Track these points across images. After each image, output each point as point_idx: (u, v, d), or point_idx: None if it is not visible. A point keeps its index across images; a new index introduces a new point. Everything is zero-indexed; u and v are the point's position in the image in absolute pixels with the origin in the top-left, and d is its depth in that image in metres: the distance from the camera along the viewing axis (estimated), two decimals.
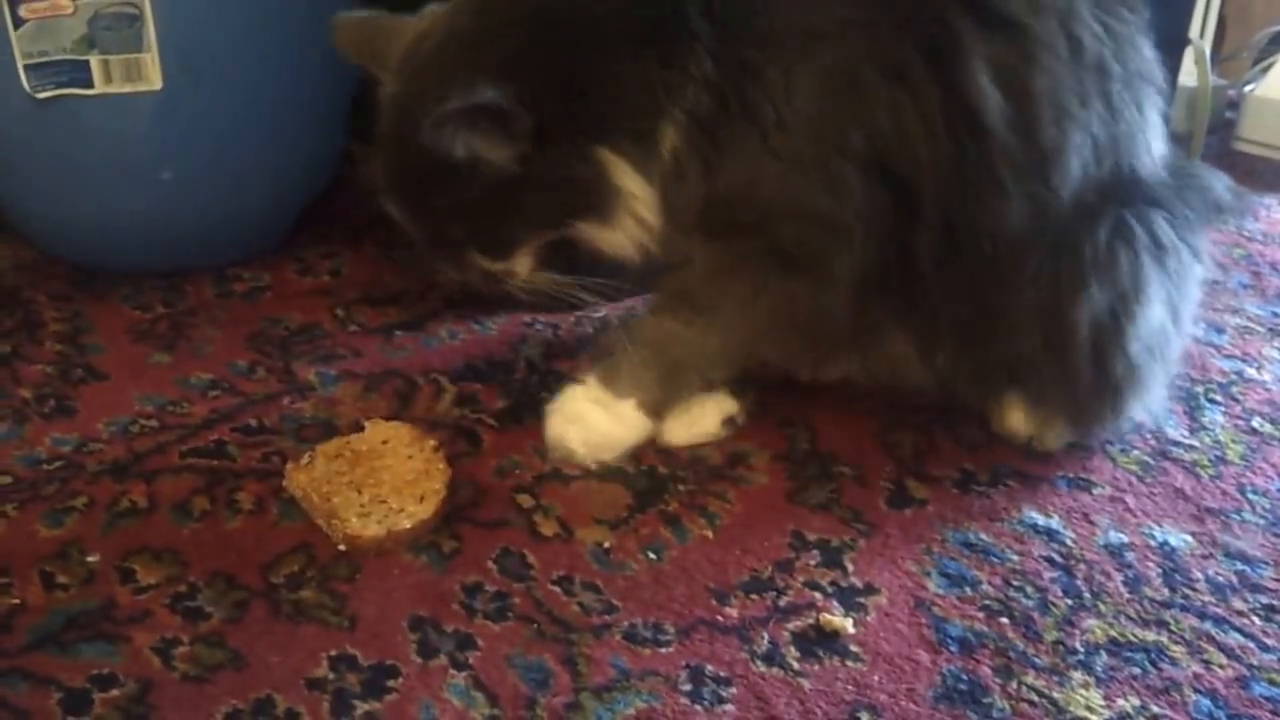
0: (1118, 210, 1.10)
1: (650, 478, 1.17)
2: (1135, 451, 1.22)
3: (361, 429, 1.18)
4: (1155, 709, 0.95)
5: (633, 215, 1.11)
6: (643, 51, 1.06)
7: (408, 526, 1.07)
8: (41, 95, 1.33)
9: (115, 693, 0.93)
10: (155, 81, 1.34)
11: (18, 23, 1.30)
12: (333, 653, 0.97)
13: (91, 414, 1.23)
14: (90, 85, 1.33)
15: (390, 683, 0.95)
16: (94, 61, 1.33)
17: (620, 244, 1.14)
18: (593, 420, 1.17)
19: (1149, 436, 1.24)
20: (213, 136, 1.39)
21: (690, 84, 1.06)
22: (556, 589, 1.04)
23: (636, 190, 1.10)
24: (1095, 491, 1.17)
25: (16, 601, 1.01)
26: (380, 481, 1.11)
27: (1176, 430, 1.26)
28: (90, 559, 1.06)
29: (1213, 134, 1.96)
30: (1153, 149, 1.14)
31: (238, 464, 1.17)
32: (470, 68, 1.05)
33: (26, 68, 1.32)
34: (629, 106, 1.07)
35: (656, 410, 1.19)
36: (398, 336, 1.38)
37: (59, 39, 1.31)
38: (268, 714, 0.92)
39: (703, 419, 1.22)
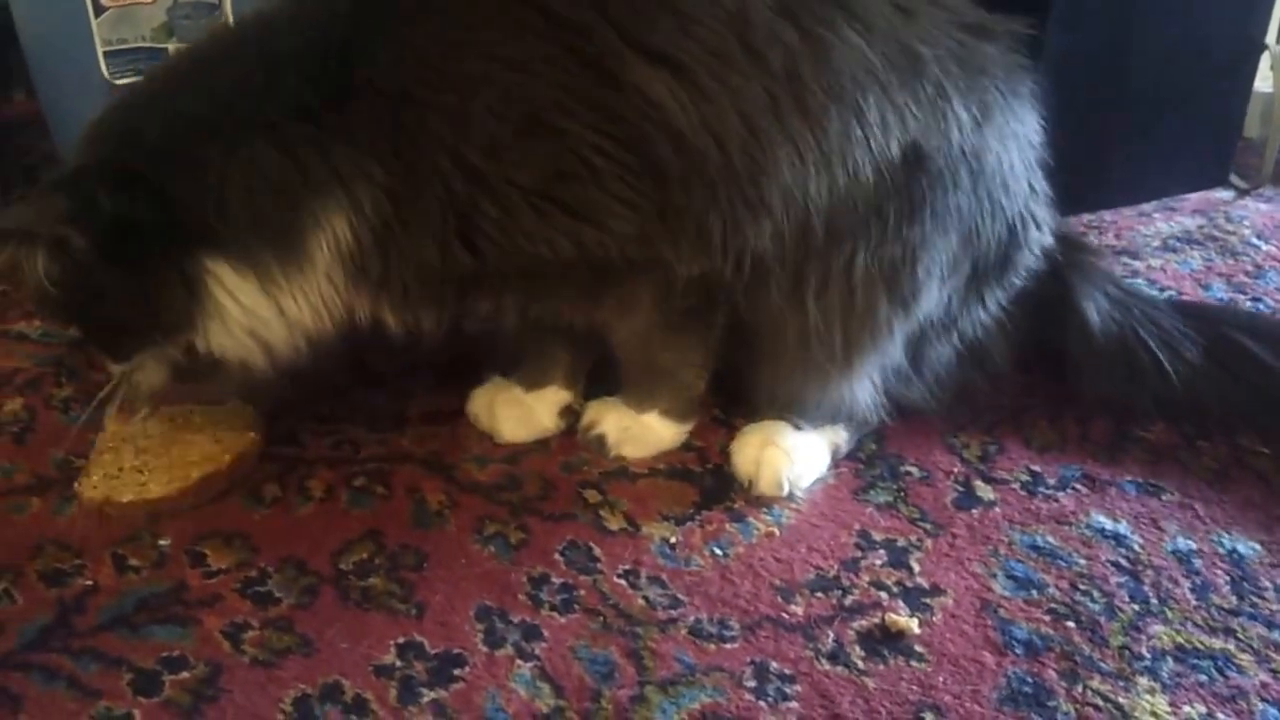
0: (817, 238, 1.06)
1: (716, 476, 1.17)
2: (1205, 459, 1.21)
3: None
4: (1221, 717, 0.94)
5: (259, 313, 1.04)
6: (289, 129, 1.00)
7: (126, 500, 1.09)
8: (120, 81, 1.35)
9: (185, 675, 0.95)
10: None
11: (99, 10, 1.33)
12: (400, 640, 0.98)
13: (165, 399, 1.24)
14: None
15: (457, 671, 0.95)
16: (172, 49, 1.35)
17: (256, 346, 1.07)
18: (635, 432, 1.20)
19: (1220, 444, 1.22)
20: None
21: (350, 166, 1.00)
22: (622, 582, 1.04)
23: (249, 297, 1.03)
24: (1164, 497, 1.16)
25: (89, 583, 1.03)
26: (165, 453, 1.14)
27: (1246, 439, 1.24)
28: (162, 542, 1.07)
29: None
30: (875, 152, 1.05)
31: (309, 451, 1.19)
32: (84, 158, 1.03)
33: (106, 54, 1.34)
34: (249, 213, 1.00)
35: (680, 414, 1.20)
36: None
37: (138, 27, 1.34)
38: (336, 699, 0.93)
39: (538, 415, 1.22)
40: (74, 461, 1.16)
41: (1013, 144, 1.14)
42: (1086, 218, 1.67)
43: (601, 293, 1.09)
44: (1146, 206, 1.72)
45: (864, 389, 1.14)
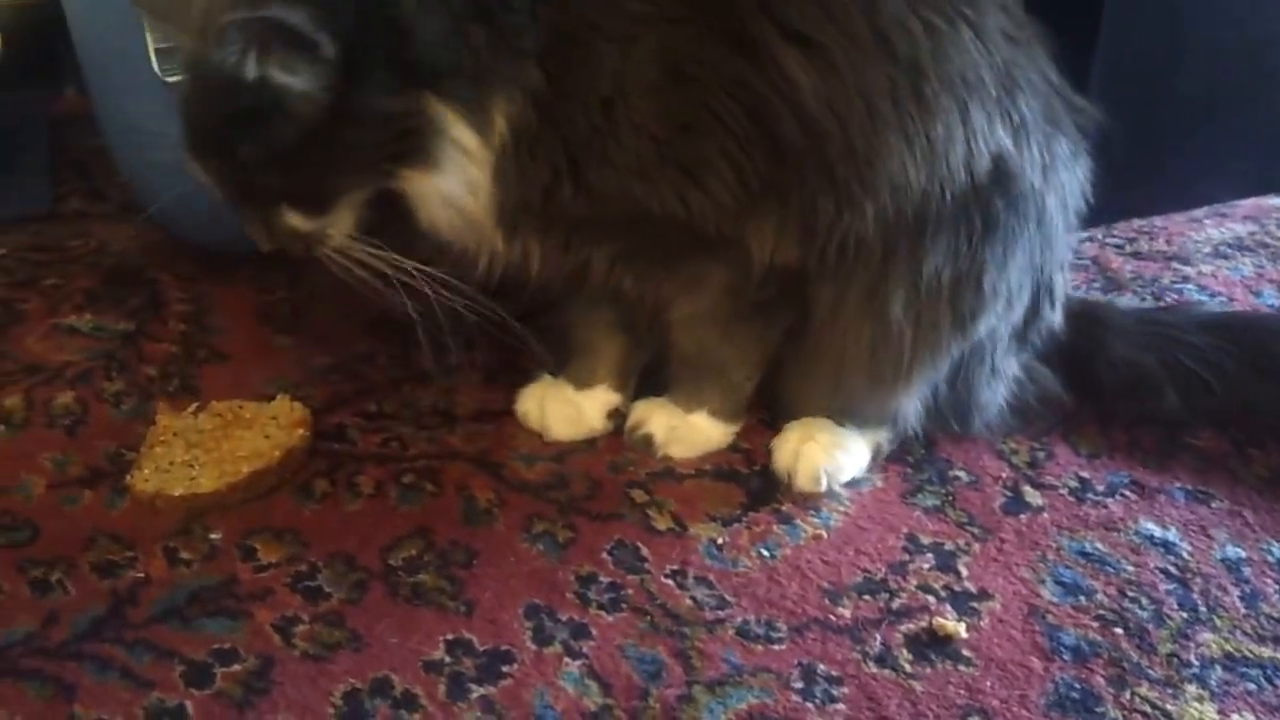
0: (906, 227, 1.06)
1: (763, 477, 1.17)
2: (1256, 466, 1.20)
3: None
4: None
5: (464, 173, 1.02)
6: (469, 12, 0.99)
7: (177, 494, 1.10)
8: (172, 79, 1.36)
9: (236, 667, 0.96)
10: None
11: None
12: (449, 636, 0.99)
13: (215, 394, 1.26)
14: None
15: (505, 668, 0.96)
16: None
17: (445, 211, 1.05)
18: (683, 432, 1.20)
19: (1271, 452, 1.22)
20: None
21: (523, 61, 1.00)
22: (670, 582, 1.05)
23: (470, 145, 1.01)
24: (1214, 505, 1.16)
25: (141, 575, 1.04)
26: (216, 448, 1.15)
27: None
28: (213, 536, 1.08)
29: None
30: (969, 156, 1.06)
31: (358, 448, 1.19)
32: None
33: (157, 52, 1.35)
34: (456, 66, 0.99)
35: (729, 414, 1.20)
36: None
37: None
38: (385, 694, 0.94)
39: (587, 414, 1.23)
40: (125, 455, 1.17)
41: (1063, 204, 1.15)
42: (1137, 223, 1.66)
43: (680, 265, 1.10)
44: (1197, 212, 1.71)
45: (914, 403, 1.15)
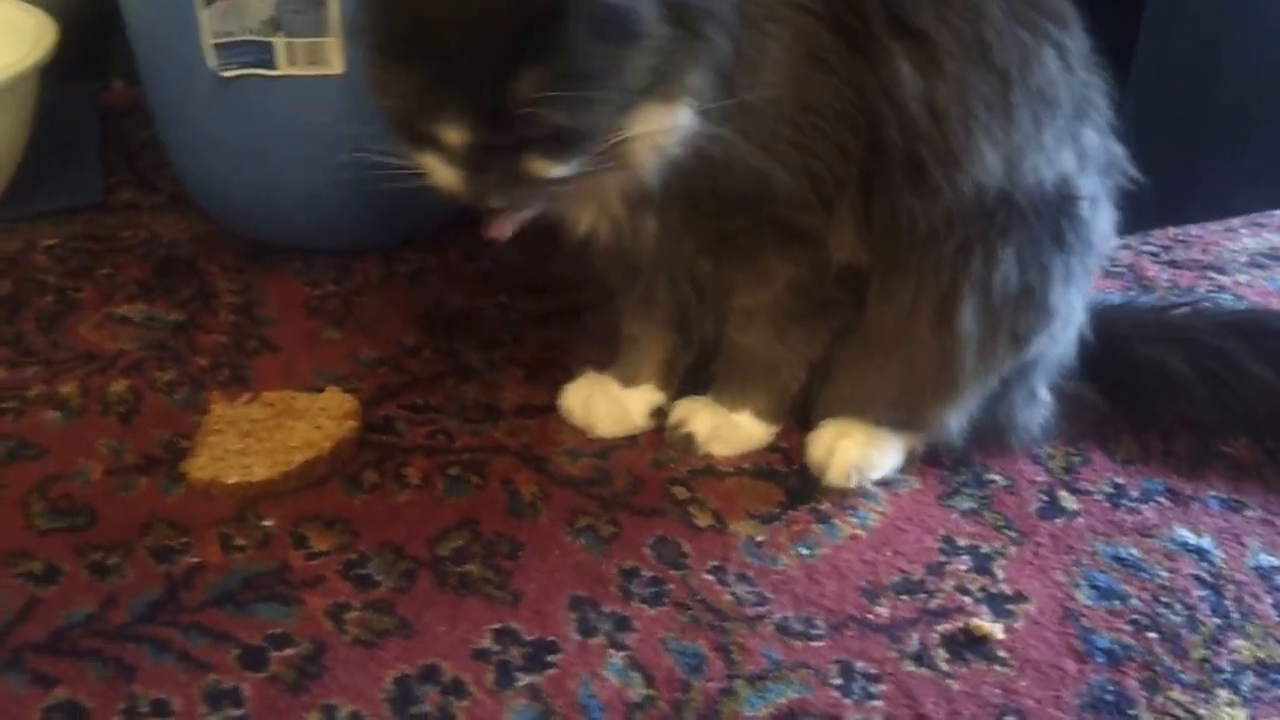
0: (982, 225, 1.09)
1: (801, 476, 1.19)
2: None
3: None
4: None
5: (682, 117, 0.98)
6: None
7: (231, 481, 1.13)
8: (226, 74, 1.38)
9: (290, 651, 0.98)
10: (337, 66, 1.38)
11: (209, 1, 1.35)
12: (496, 626, 1.01)
13: (266, 384, 1.28)
14: (274, 66, 1.38)
15: (551, 658, 0.98)
16: (278, 44, 1.37)
17: (651, 156, 1.01)
18: (725, 431, 1.23)
19: None
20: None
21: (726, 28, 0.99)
22: (710, 578, 1.07)
23: (694, 87, 0.98)
24: (1247, 513, 1.17)
25: (196, 560, 1.07)
26: (268, 437, 1.17)
27: None
28: (265, 524, 1.11)
29: None
30: (1040, 168, 1.09)
31: (405, 439, 1.22)
32: None
33: (214, 46, 1.37)
34: (709, 13, 0.97)
35: (773, 414, 1.23)
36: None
37: (246, 20, 1.36)
38: (435, 680, 0.96)
39: (632, 412, 1.25)
40: (178, 443, 1.20)
41: (1102, 241, 1.18)
42: (1173, 231, 1.68)
43: (756, 255, 1.12)
44: (1234, 222, 1.72)
45: (959, 417, 1.17)
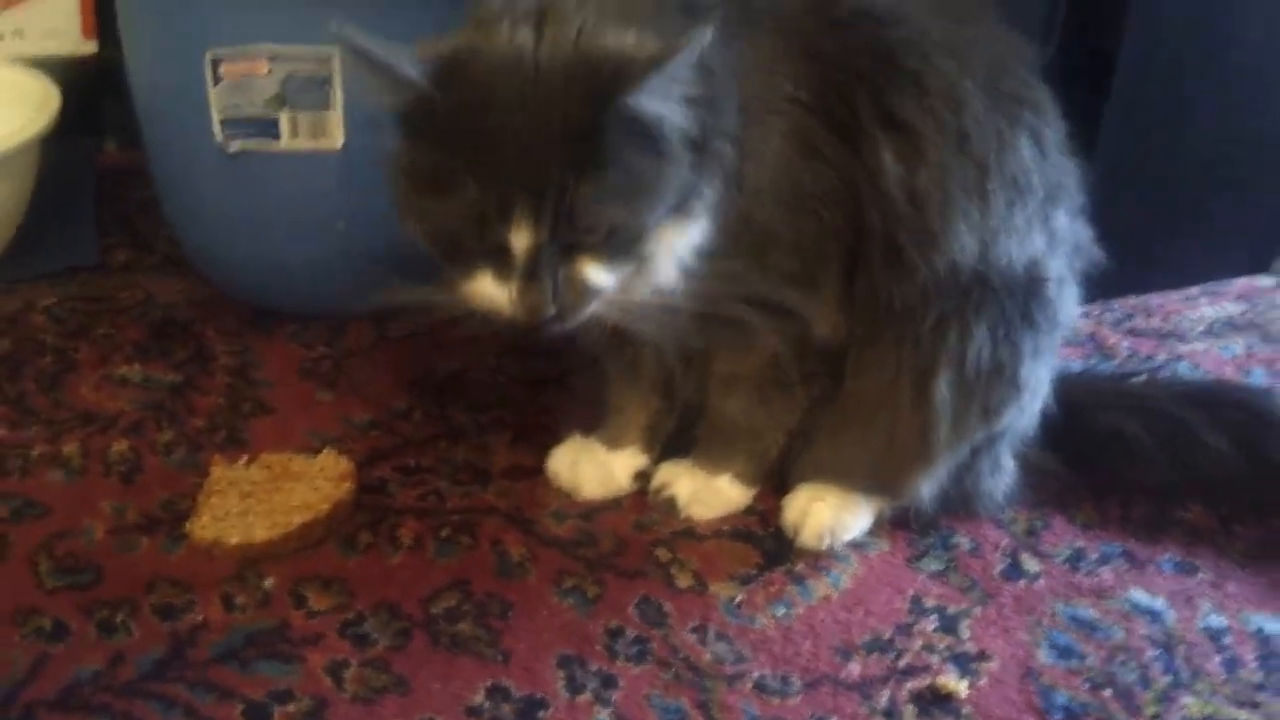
0: (957, 303, 1.15)
1: (777, 539, 1.25)
2: (1239, 541, 1.28)
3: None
4: None
5: (701, 225, 1.07)
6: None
7: (233, 542, 1.18)
8: (232, 147, 1.44)
9: (292, 708, 1.03)
10: (338, 139, 1.44)
11: (216, 80, 1.41)
12: (489, 683, 1.06)
13: (262, 446, 1.33)
14: (278, 139, 1.44)
15: (541, 714, 1.04)
16: (283, 118, 1.43)
17: (669, 264, 1.08)
18: (705, 495, 1.29)
19: (1253, 528, 1.30)
20: (384, 193, 1.49)
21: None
22: (692, 637, 1.12)
23: (710, 199, 1.06)
24: (1199, 576, 1.24)
25: (200, 618, 1.12)
26: (267, 499, 1.23)
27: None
28: (266, 583, 1.16)
29: None
30: (1012, 250, 1.16)
31: (398, 501, 1.27)
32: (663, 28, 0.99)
33: (222, 121, 1.43)
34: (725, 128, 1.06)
35: (752, 479, 1.29)
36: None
37: (252, 96, 1.42)
38: None
39: (616, 475, 1.31)
40: (177, 503, 1.25)
41: (1066, 322, 1.26)
42: (1134, 299, 1.75)
43: (742, 327, 1.16)
44: (1192, 290, 1.79)
45: (930, 484, 1.23)
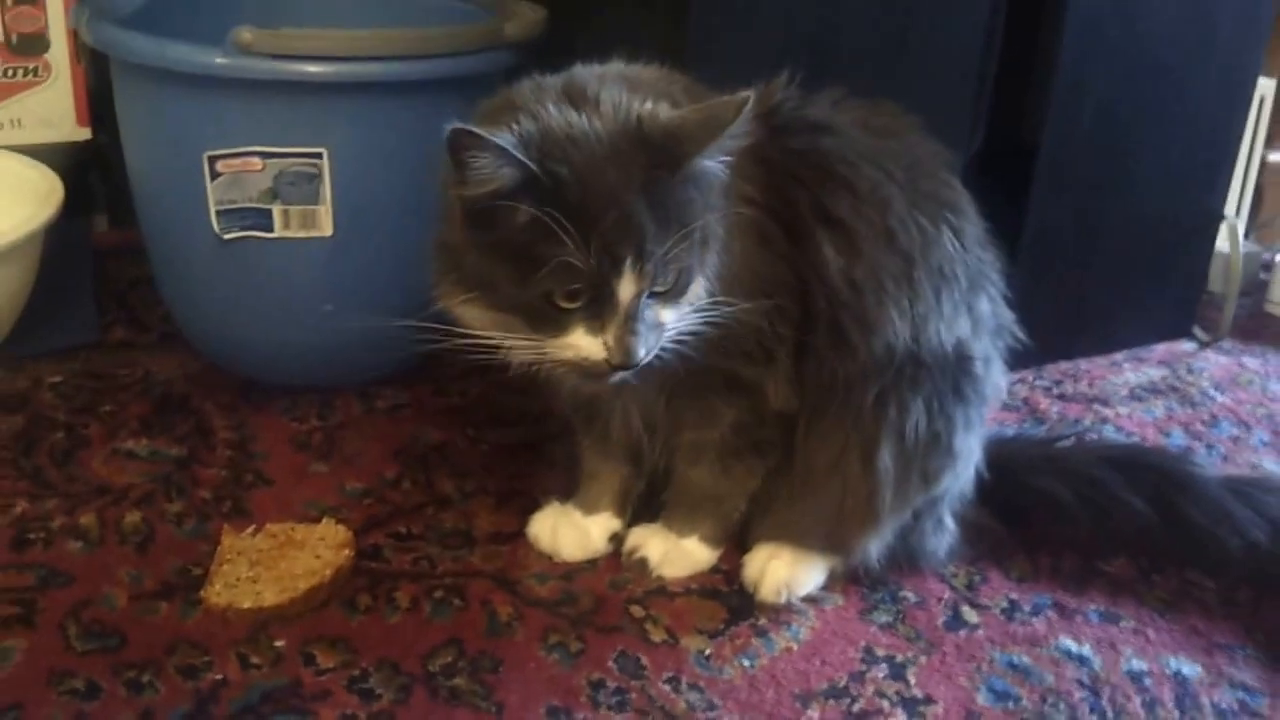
0: (894, 379, 1.28)
1: (741, 595, 1.37)
2: (1158, 590, 1.42)
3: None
4: None
5: (702, 291, 1.21)
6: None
7: (245, 606, 1.29)
8: (228, 236, 1.56)
9: None
10: (327, 229, 1.56)
11: (214, 175, 1.53)
12: None
13: (265, 515, 1.45)
14: (271, 230, 1.56)
15: None
16: (276, 210, 1.55)
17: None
18: (674, 556, 1.41)
19: (1171, 578, 1.43)
20: (369, 276, 1.62)
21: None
22: (667, 688, 1.24)
23: (710, 264, 1.21)
24: (1122, 624, 1.37)
25: (219, 677, 1.22)
26: (274, 566, 1.34)
27: (1194, 573, 1.45)
28: (277, 644, 1.27)
29: (1248, 296, 2.17)
30: (940, 332, 1.29)
31: (393, 566, 1.39)
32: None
33: (218, 213, 1.54)
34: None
35: (717, 540, 1.41)
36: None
37: (247, 190, 1.54)
38: None
39: (593, 538, 1.43)
40: (190, 570, 1.36)
41: (994, 396, 1.40)
42: (1064, 365, 1.89)
43: (705, 401, 1.31)
44: (1117, 355, 1.94)
45: (877, 543, 1.36)
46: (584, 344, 1.15)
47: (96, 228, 2.12)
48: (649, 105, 1.16)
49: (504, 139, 1.09)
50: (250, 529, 1.40)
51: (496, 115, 1.17)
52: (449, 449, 1.61)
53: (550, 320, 1.15)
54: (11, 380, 1.68)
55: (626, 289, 1.12)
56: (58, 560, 1.36)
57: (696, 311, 1.19)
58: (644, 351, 1.15)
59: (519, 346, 1.19)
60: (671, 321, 1.18)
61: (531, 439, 1.63)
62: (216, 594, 1.30)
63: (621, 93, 1.16)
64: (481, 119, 1.17)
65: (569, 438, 1.46)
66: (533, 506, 1.48)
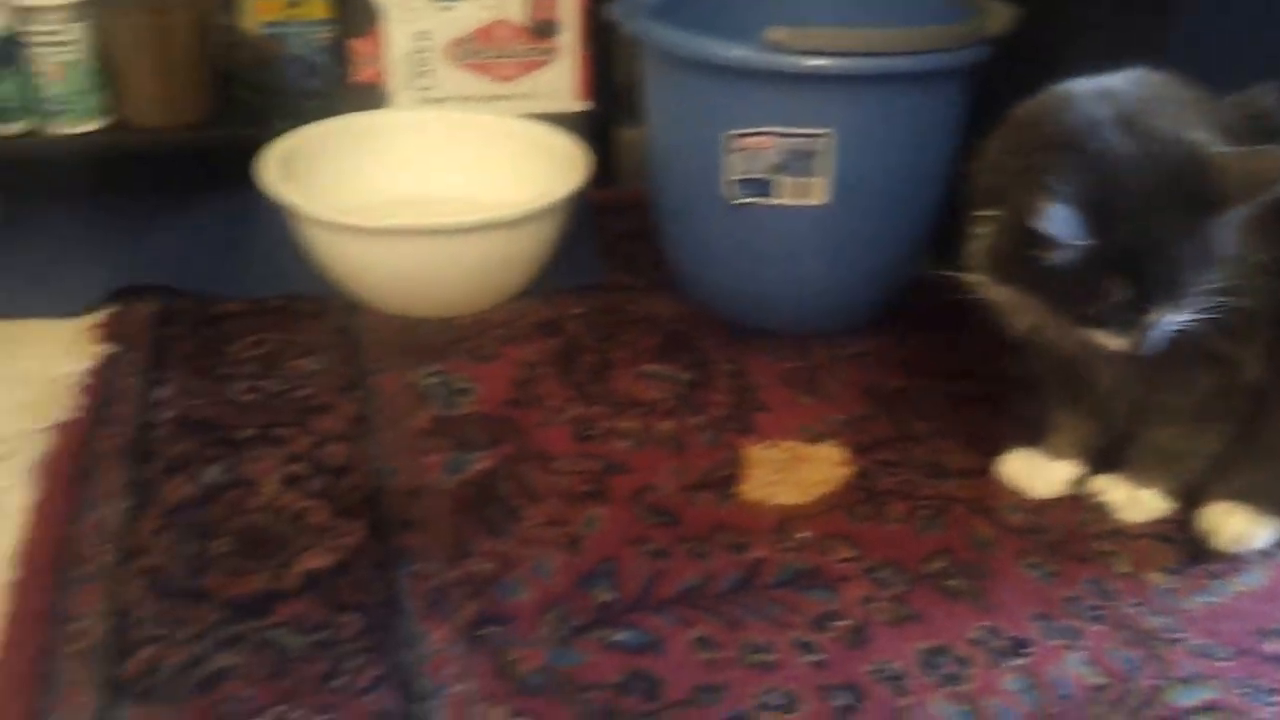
0: None
1: (1194, 544, 1.55)
2: None
3: None
4: None
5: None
6: None
7: (775, 503, 1.55)
8: (735, 202, 1.83)
9: (839, 624, 1.40)
10: (820, 198, 1.80)
11: (731, 151, 1.80)
12: (985, 623, 1.40)
13: (767, 434, 1.71)
14: (771, 197, 1.81)
15: (1025, 650, 1.38)
16: (779, 181, 1.80)
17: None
18: (1132, 504, 1.60)
19: None
20: (852, 238, 1.85)
21: None
22: (1133, 611, 1.44)
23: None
24: None
25: (760, 556, 1.49)
26: (792, 473, 1.62)
27: None
28: (801, 535, 1.52)
29: None
30: None
31: (880, 485, 1.62)
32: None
33: (731, 181, 1.82)
34: None
35: (1175, 494, 1.58)
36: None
37: (759, 163, 1.79)
38: (947, 654, 1.36)
39: (1059, 480, 1.62)
40: (718, 471, 1.63)
41: None
42: None
43: (1187, 370, 1.45)
44: None
45: None
46: (1107, 340, 1.36)
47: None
48: (1196, 137, 1.29)
49: (1074, 218, 1.26)
50: (765, 443, 1.66)
51: (1048, 145, 1.32)
52: (911, 393, 1.82)
53: (1079, 318, 1.36)
54: (547, 309, 2.00)
55: (1152, 318, 1.31)
56: (612, 454, 1.66)
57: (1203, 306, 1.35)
58: (1157, 345, 1.33)
59: (1041, 324, 1.41)
60: (1185, 317, 1.34)
61: (983, 393, 1.82)
62: (750, 490, 1.57)
63: (1168, 119, 1.30)
64: (1028, 135, 1.37)
65: (1035, 392, 1.65)
66: (994, 450, 1.67)
